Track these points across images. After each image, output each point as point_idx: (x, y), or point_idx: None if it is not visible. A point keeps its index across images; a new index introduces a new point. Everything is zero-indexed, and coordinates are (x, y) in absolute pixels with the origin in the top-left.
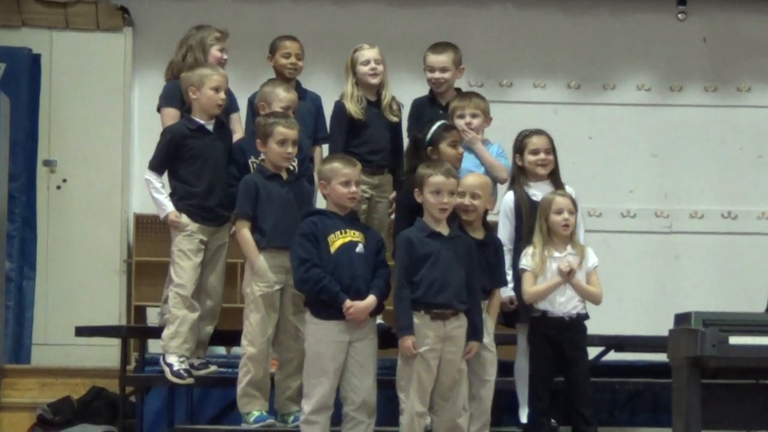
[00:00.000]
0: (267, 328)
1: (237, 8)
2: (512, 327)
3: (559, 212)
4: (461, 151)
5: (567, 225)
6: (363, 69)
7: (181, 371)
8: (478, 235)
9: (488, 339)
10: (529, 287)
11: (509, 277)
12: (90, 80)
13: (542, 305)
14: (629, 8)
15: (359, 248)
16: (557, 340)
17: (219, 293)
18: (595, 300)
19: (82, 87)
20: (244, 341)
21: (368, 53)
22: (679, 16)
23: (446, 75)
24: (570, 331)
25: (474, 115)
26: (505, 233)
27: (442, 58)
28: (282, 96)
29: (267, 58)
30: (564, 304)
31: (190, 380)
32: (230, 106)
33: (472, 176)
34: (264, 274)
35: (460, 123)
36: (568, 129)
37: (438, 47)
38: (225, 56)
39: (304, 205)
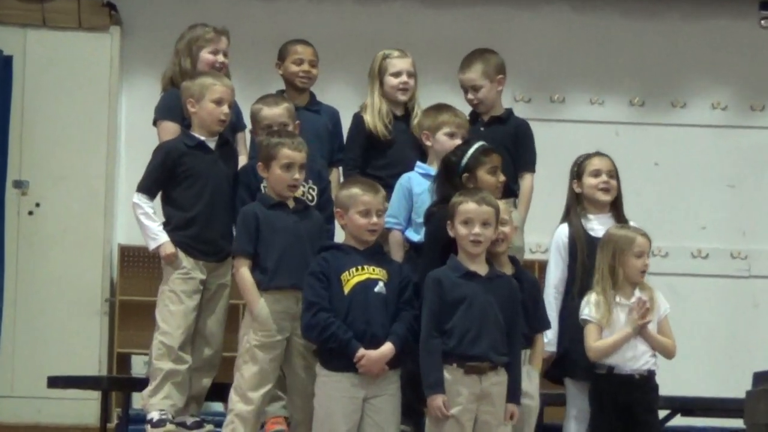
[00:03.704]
0: (263, 383)
1: (242, 6)
2: (559, 383)
3: (640, 255)
4: (502, 179)
5: (645, 270)
6: (392, 81)
7: (158, 420)
8: (507, 270)
9: (531, 387)
10: (594, 341)
11: (556, 327)
12: (70, 87)
13: (608, 360)
14: (704, 13)
15: (378, 287)
16: (626, 402)
17: (218, 340)
18: (669, 353)
19: (60, 95)
20: (233, 395)
21: (400, 63)
22: (762, 22)
23: (480, 94)
24: (640, 391)
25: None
26: (557, 273)
27: (470, 76)
28: (262, 115)
29: (275, 66)
30: (634, 359)
31: (171, 427)
32: (236, 123)
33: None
34: (264, 321)
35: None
36: (630, 153)
37: (465, 62)
38: (222, 59)
39: (316, 238)
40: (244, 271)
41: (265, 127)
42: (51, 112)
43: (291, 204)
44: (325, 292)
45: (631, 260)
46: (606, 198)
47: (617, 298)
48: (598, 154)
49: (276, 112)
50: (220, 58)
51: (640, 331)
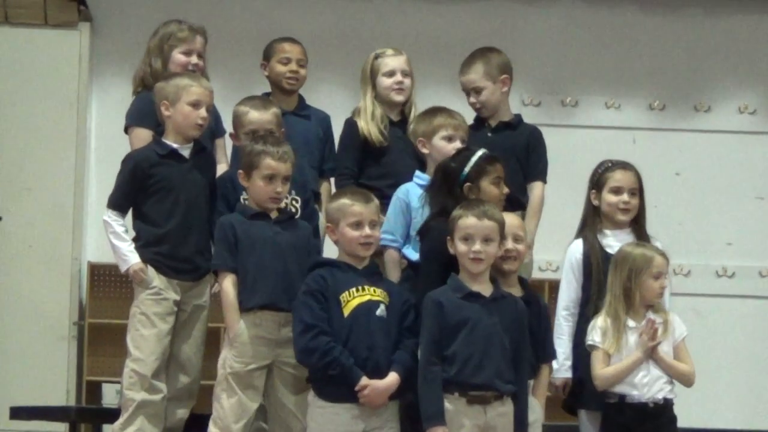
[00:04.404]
0: (243, 413)
1: (224, 0)
2: (573, 414)
3: (658, 277)
4: (506, 190)
5: (663, 293)
6: (386, 81)
7: None
8: (515, 292)
9: (534, 420)
10: (601, 369)
11: (568, 351)
12: (35, 90)
13: (620, 388)
14: (729, 8)
15: (380, 310)
16: None
17: (196, 367)
18: (687, 380)
19: (24, 98)
20: (212, 428)
21: (393, 62)
22: None
23: (482, 97)
24: (656, 422)
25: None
26: (569, 293)
27: (470, 77)
28: (249, 119)
29: (260, 66)
30: (648, 386)
31: None
32: (215, 128)
33: (511, 216)
34: (241, 346)
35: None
36: (649, 162)
37: (465, 62)
38: (195, 60)
39: (302, 252)
40: (227, 287)
41: (249, 132)
42: (14, 116)
43: (274, 215)
44: (324, 313)
45: (649, 282)
46: (624, 218)
47: (629, 322)
48: (621, 166)
49: (265, 117)
50: (194, 59)
51: (653, 357)
